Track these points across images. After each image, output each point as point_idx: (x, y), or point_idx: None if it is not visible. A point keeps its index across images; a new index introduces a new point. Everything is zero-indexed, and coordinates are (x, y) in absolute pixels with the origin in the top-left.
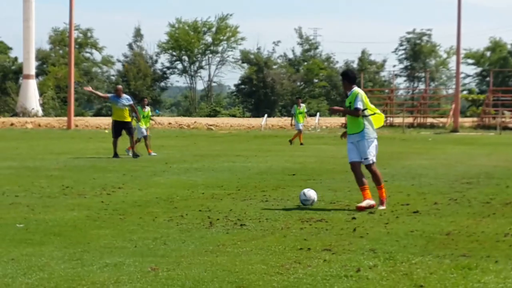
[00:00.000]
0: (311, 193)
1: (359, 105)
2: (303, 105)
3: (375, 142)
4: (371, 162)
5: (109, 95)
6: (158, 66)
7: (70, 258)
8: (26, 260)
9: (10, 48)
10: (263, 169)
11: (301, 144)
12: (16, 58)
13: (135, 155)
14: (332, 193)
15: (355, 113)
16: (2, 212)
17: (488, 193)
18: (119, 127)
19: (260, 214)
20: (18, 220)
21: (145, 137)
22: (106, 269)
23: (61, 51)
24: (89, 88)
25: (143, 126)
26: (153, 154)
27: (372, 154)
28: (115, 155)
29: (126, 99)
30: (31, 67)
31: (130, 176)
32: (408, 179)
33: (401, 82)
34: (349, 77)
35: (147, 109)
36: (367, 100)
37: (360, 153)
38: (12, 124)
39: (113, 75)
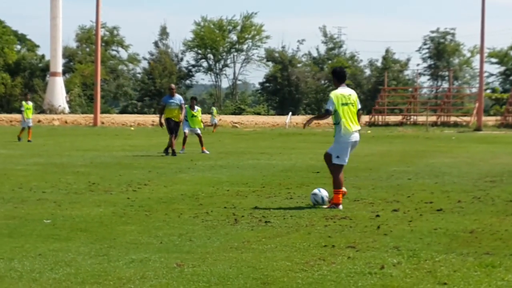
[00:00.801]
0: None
1: (329, 107)
2: None
3: (346, 146)
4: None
5: (162, 102)
6: (184, 64)
7: (96, 254)
8: (53, 255)
9: (38, 46)
10: (288, 167)
11: None
12: (43, 56)
13: (173, 153)
14: (356, 190)
15: (325, 116)
16: (29, 208)
17: (511, 191)
18: (171, 124)
19: (284, 211)
20: (45, 216)
21: (185, 136)
22: (132, 265)
23: (87, 49)
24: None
25: (189, 125)
26: (205, 152)
27: (335, 153)
28: (173, 152)
29: (178, 99)
30: (58, 64)
31: (155, 173)
32: (432, 177)
33: (424, 81)
34: (335, 75)
35: (196, 109)
36: (338, 102)
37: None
38: (39, 121)
39: (139, 73)
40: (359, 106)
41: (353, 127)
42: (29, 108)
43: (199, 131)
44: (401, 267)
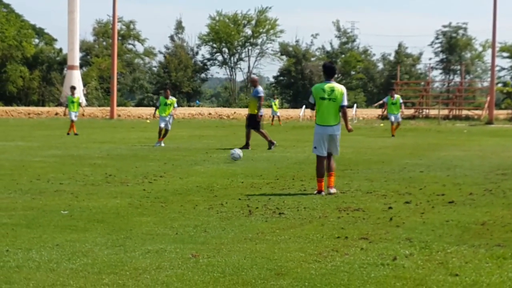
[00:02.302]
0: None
1: (310, 100)
2: (396, 96)
3: (320, 137)
4: (313, 151)
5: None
6: (199, 57)
7: (113, 244)
8: (70, 245)
9: (55, 40)
10: (301, 159)
11: (392, 136)
12: (61, 49)
13: (270, 144)
14: (368, 183)
15: (312, 108)
16: (47, 199)
17: None
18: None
19: (298, 203)
20: (63, 207)
21: (161, 129)
22: (148, 255)
23: (104, 43)
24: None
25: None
26: (162, 144)
27: (313, 144)
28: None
29: (255, 91)
30: (75, 58)
31: (171, 165)
32: (444, 170)
33: (437, 75)
34: (323, 69)
35: (171, 98)
36: (317, 96)
37: None
38: (56, 114)
39: (155, 66)
40: (344, 103)
41: (327, 120)
42: (74, 102)
43: (169, 125)
44: (413, 259)
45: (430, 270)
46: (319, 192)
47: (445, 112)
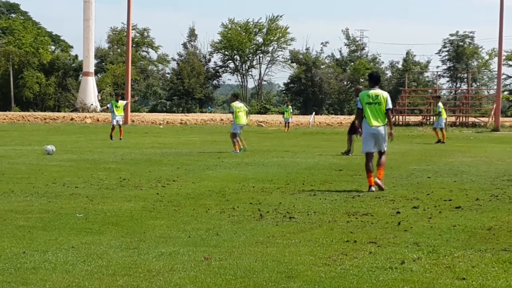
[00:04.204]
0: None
1: (358, 105)
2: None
3: (368, 137)
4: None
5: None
6: (211, 64)
7: (127, 247)
8: (85, 248)
9: (71, 47)
10: (311, 165)
11: (442, 142)
12: (76, 56)
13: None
14: (377, 188)
15: (359, 113)
16: (63, 202)
17: None
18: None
19: (308, 207)
20: (78, 210)
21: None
22: (161, 258)
23: (119, 50)
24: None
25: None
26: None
27: (362, 143)
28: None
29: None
30: (91, 64)
31: (184, 170)
32: (451, 176)
33: (444, 83)
34: (369, 78)
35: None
36: (363, 101)
37: None
38: (72, 119)
39: (168, 73)
40: (389, 106)
41: (374, 122)
42: (119, 106)
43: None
44: (421, 262)
45: (437, 274)
46: (370, 187)
47: (452, 119)
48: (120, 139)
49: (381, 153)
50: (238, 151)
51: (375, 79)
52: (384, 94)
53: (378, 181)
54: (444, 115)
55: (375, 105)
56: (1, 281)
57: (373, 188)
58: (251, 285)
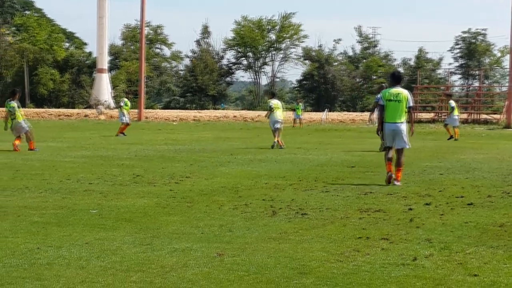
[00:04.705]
0: None
1: (379, 101)
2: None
3: (387, 133)
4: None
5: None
6: (224, 61)
7: (140, 243)
8: (99, 244)
9: (85, 44)
10: (323, 161)
11: (455, 139)
12: (90, 53)
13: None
14: (389, 184)
15: (375, 107)
16: (77, 198)
17: None
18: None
19: (320, 204)
20: (92, 206)
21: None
22: (175, 254)
23: (132, 47)
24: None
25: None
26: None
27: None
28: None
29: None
30: (104, 61)
31: (197, 166)
32: (463, 173)
33: (456, 80)
34: (390, 77)
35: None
36: (385, 98)
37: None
38: (86, 116)
39: (181, 70)
40: (410, 104)
41: (392, 119)
42: (128, 105)
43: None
44: (433, 259)
45: (449, 270)
46: (388, 173)
47: (464, 116)
48: (124, 134)
49: (399, 152)
50: (272, 146)
51: (396, 78)
52: (405, 93)
53: (397, 183)
54: (456, 112)
55: (395, 103)
56: (15, 277)
57: (391, 175)
58: (264, 281)
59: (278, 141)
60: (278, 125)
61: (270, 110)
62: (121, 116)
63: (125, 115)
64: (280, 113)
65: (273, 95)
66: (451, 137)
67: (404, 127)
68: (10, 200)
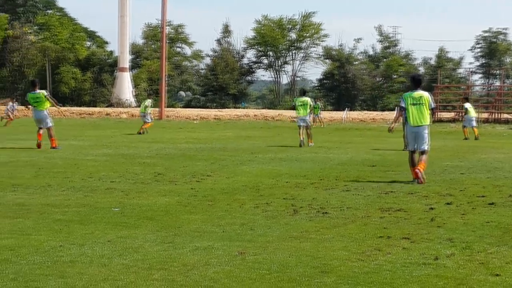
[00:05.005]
0: None
1: (402, 104)
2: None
3: (409, 135)
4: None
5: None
6: (245, 60)
7: (162, 241)
8: (121, 242)
9: (107, 43)
10: (344, 160)
11: (476, 138)
12: (112, 52)
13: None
14: (410, 184)
15: (399, 112)
16: (99, 196)
17: None
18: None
19: (341, 202)
20: (114, 204)
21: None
22: (197, 252)
23: (153, 46)
24: None
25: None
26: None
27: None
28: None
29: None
30: (126, 60)
31: (218, 165)
32: (484, 172)
33: (477, 79)
34: (411, 80)
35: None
36: (407, 102)
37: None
38: (107, 114)
39: (202, 69)
40: (432, 106)
41: (416, 122)
42: (147, 106)
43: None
44: (455, 259)
45: (471, 270)
46: (414, 179)
47: (485, 115)
48: (140, 133)
49: (422, 153)
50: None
51: (417, 82)
52: (426, 95)
53: (419, 173)
54: (470, 113)
55: (418, 106)
56: (39, 274)
57: (417, 180)
58: (285, 280)
59: (304, 138)
60: (302, 123)
61: (294, 108)
62: (147, 116)
63: (148, 116)
64: (305, 111)
65: (302, 93)
66: (466, 138)
67: (427, 130)
68: (33, 198)
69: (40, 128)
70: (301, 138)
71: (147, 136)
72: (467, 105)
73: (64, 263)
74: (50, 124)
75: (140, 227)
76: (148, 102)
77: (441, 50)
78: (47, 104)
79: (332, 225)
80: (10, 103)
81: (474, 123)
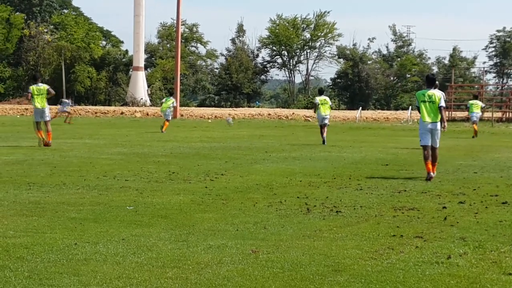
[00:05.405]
0: None
1: (416, 103)
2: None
3: (423, 131)
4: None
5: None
6: (259, 60)
7: (176, 240)
8: (135, 240)
9: (122, 42)
10: (358, 159)
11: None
12: (126, 51)
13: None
14: (423, 183)
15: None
16: (113, 195)
17: None
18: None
19: (354, 201)
20: (128, 203)
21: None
22: (210, 251)
23: (168, 45)
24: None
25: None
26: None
27: (419, 136)
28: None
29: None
30: (141, 59)
31: (232, 164)
32: (497, 171)
33: (490, 78)
34: (426, 79)
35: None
36: (419, 99)
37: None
38: (122, 113)
39: (216, 68)
40: (442, 104)
41: (427, 118)
42: (171, 106)
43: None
44: (467, 257)
45: (483, 269)
46: (428, 173)
47: (498, 114)
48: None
49: (433, 148)
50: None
51: (431, 81)
52: (438, 94)
53: (432, 175)
54: (474, 109)
55: (429, 103)
56: (53, 272)
57: (431, 174)
58: (298, 278)
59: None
60: (326, 121)
61: (316, 106)
62: (169, 113)
63: (169, 113)
64: (326, 109)
65: (320, 92)
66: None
67: (439, 126)
68: (48, 196)
69: (38, 122)
70: (324, 136)
71: (162, 135)
72: (470, 101)
73: (78, 261)
74: (49, 118)
75: (154, 225)
76: (173, 100)
77: (455, 49)
78: (45, 98)
79: (345, 224)
80: (66, 101)
81: (475, 119)
